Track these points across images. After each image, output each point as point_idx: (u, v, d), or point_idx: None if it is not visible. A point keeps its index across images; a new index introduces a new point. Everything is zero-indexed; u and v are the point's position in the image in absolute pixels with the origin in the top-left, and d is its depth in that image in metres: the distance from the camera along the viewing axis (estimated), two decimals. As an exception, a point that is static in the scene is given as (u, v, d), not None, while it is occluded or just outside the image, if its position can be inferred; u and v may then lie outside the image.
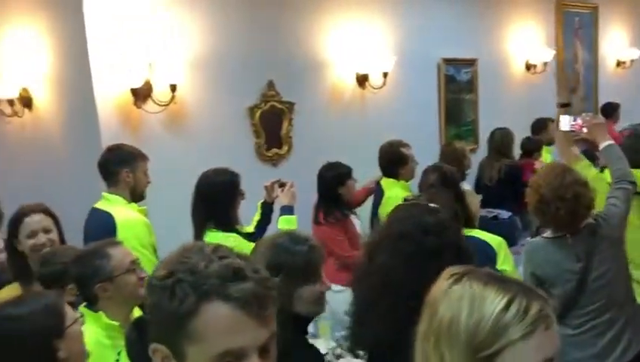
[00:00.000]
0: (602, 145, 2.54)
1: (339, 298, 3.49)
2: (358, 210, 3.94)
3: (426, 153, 4.09)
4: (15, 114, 3.90)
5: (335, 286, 3.49)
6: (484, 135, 5.82)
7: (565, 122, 2.71)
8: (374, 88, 4.85)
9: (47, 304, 1.57)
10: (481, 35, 5.81)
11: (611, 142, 2.54)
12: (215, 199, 2.90)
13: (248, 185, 3.15)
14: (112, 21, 3.48)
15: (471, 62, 5.74)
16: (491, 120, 5.82)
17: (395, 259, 1.53)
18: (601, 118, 2.88)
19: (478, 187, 4.84)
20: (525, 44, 6.29)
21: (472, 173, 4.81)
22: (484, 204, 4.64)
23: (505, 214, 4.59)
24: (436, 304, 1.01)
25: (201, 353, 0.88)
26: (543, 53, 6.38)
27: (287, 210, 3.11)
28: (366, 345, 1.65)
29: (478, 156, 5.47)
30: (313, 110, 4.49)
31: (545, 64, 6.41)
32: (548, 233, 2.43)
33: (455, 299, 0.98)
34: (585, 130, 2.64)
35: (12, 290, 2.28)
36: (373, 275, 1.55)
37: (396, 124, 4.79)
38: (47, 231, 2.47)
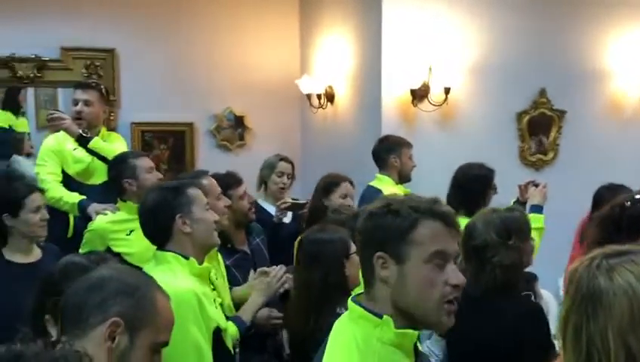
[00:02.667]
0: None
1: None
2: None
3: None
4: (320, 106, 4.85)
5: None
6: None
7: None
8: (663, 102, 4.54)
9: (341, 236, 2.23)
10: None
11: None
12: (467, 189, 3.26)
13: (508, 186, 3.43)
14: (402, 31, 4.08)
15: None
16: None
17: None
18: None
19: None
20: None
21: None
22: None
23: None
24: (604, 298, 1.10)
25: (420, 253, 1.24)
26: None
27: (537, 208, 3.29)
28: None
29: None
30: (586, 120, 4.45)
31: None
32: None
33: (627, 287, 1.09)
34: None
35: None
36: None
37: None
38: (351, 197, 3.26)
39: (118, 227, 2.92)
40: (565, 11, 4.37)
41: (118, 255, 2.78)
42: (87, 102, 3.52)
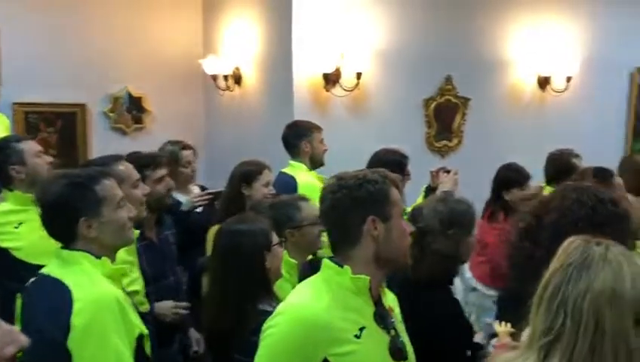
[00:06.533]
0: None
1: (486, 298, 3.64)
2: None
3: (605, 165, 3.92)
4: (228, 88, 4.63)
5: (489, 291, 3.66)
6: (677, 152, 5.41)
7: None
8: (556, 92, 4.80)
9: (262, 226, 2.07)
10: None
11: None
12: (383, 174, 3.24)
13: (414, 171, 3.44)
14: (313, 14, 3.97)
15: (671, 73, 5.34)
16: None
17: (566, 219, 1.54)
18: None
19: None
20: None
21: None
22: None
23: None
24: (593, 268, 1.11)
25: (397, 210, 1.56)
26: None
27: (449, 195, 3.35)
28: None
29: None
30: (488, 107, 4.61)
31: None
32: None
33: (616, 267, 1.11)
34: None
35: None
36: (542, 231, 1.58)
37: (576, 130, 4.69)
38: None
39: (4, 219, 2.57)
40: (470, 1, 4.47)
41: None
42: None
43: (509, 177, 3.63)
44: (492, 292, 3.62)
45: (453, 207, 2.06)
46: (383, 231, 1.52)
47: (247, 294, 1.96)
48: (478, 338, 2.15)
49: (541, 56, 4.70)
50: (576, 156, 3.76)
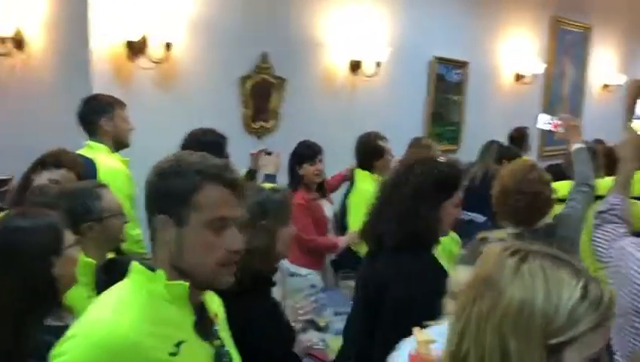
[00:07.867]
0: (573, 147, 2.56)
1: (304, 281, 3.59)
2: (333, 195, 4.02)
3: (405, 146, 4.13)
4: (6, 53, 3.86)
5: (301, 270, 3.58)
6: (466, 138, 5.94)
7: (543, 120, 2.78)
8: (366, 76, 4.90)
9: (50, 223, 1.64)
10: (474, 39, 5.90)
11: (582, 145, 2.56)
12: (199, 157, 2.93)
13: (231, 154, 3.19)
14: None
15: (462, 65, 5.83)
16: (476, 124, 5.95)
17: (425, 179, 1.97)
18: (577, 120, 2.90)
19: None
20: (517, 55, 6.40)
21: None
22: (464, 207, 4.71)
23: (480, 218, 4.69)
24: (502, 282, 0.92)
25: (200, 217, 1.23)
26: (534, 65, 6.51)
27: (271, 178, 3.17)
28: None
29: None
30: (304, 89, 4.53)
31: (534, 76, 6.55)
32: (507, 230, 2.39)
33: (528, 280, 0.90)
34: (561, 129, 2.69)
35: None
36: (405, 187, 1.97)
37: (383, 114, 4.86)
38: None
39: None
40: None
41: None
42: None
43: (302, 153, 3.57)
44: (304, 271, 3.55)
45: (267, 195, 1.86)
46: (174, 236, 1.25)
47: (30, 309, 1.54)
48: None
49: (354, 42, 4.75)
50: (382, 138, 3.87)
